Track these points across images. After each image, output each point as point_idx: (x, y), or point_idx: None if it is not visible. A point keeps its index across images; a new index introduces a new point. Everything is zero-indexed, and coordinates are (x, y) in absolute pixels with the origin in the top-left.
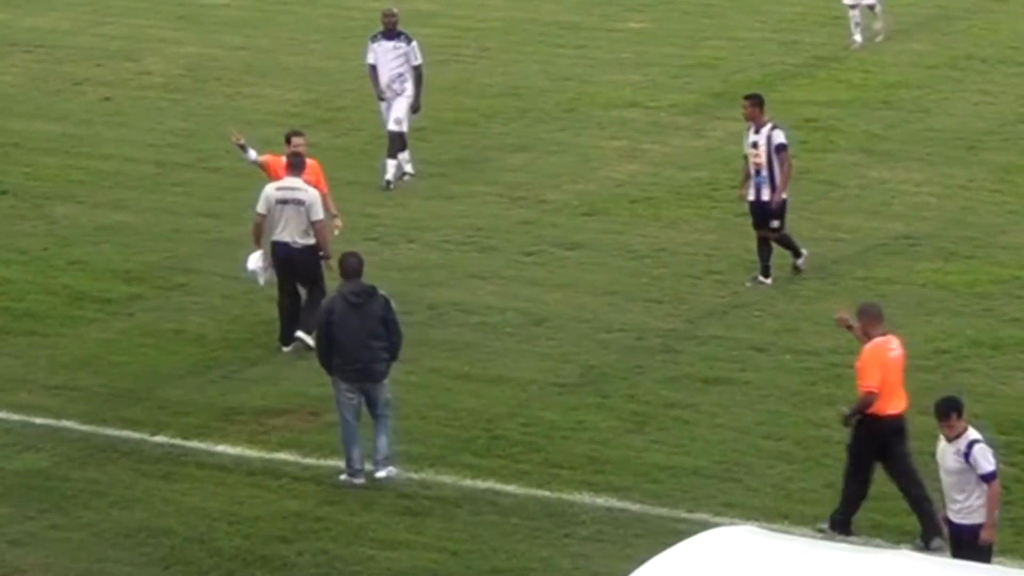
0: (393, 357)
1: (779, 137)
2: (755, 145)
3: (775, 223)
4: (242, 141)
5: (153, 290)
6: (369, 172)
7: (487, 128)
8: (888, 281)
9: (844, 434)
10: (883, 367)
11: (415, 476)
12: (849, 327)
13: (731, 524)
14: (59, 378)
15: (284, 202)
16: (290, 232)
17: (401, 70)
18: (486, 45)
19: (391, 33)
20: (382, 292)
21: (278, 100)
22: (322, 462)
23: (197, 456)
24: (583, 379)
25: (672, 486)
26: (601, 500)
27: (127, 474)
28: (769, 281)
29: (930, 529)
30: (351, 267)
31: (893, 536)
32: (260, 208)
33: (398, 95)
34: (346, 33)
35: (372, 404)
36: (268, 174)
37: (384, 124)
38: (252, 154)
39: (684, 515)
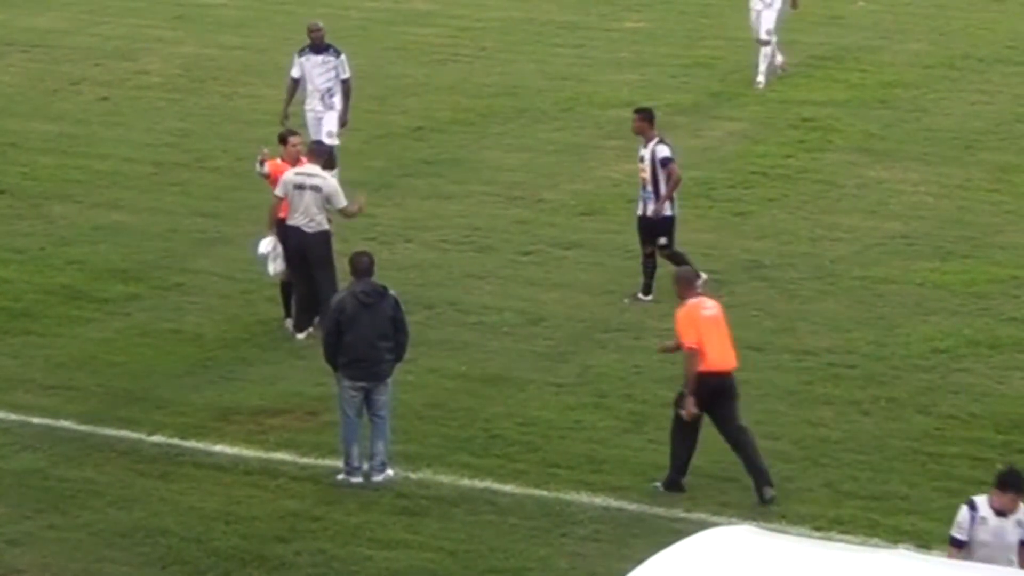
0: (399, 358)
1: (663, 151)
2: (641, 159)
3: (663, 240)
4: (266, 157)
5: (150, 290)
6: (365, 172)
7: (484, 128)
8: (886, 280)
9: (840, 434)
10: (697, 325)
11: (412, 476)
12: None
13: (729, 524)
14: (56, 378)
15: (301, 187)
16: (304, 217)
17: (330, 84)
18: (483, 45)
19: (319, 47)
20: (392, 292)
21: (275, 100)
22: (319, 462)
23: (194, 456)
24: (581, 379)
25: None
26: (599, 500)
27: (124, 474)
28: (649, 298)
29: (761, 480)
30: (362, 266)
31: (891, 536)
32: (278, 191)
33: (328, 109)
34: (343, 33)
35: (371, 405)
36: (272, 183)
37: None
38: (265, 168)
39: (682, 515)
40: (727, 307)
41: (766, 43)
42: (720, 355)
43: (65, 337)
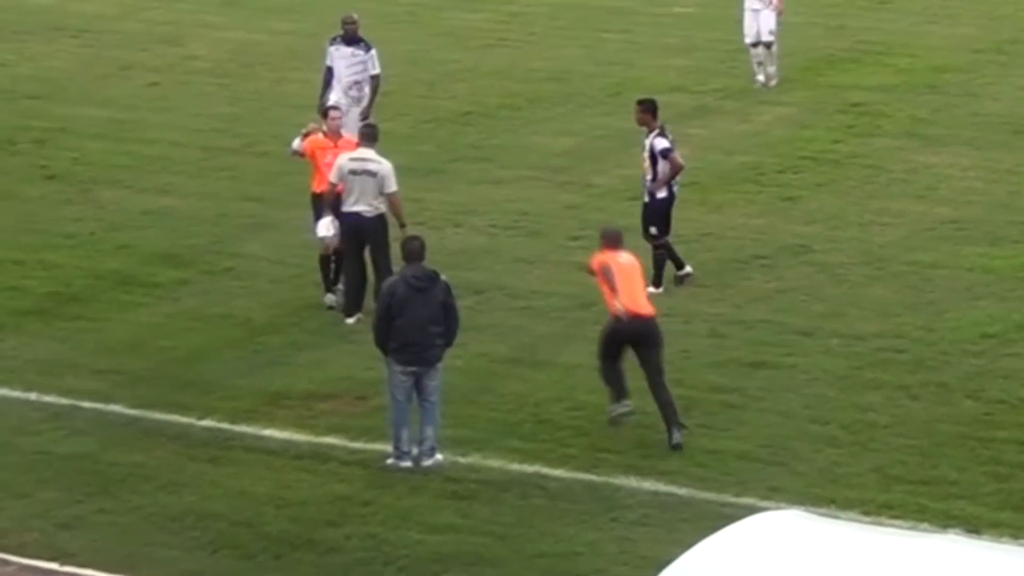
0: (449, 343)
1: (661, 143)
2: (644, 149)
3: (652, 229)
4: (313, 131)
5: (200, 274)
6: (414, 157)
7: (533, 113)
8: (935, 266)
9: (889, 418)
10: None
11: (462, 460)
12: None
13: (778, 508)
14: (106, 362)
15: (355, 173)
16: (361, 202)
17: (358, 77)
18: (532, 30)
19: (351, 39)
20: (443, 277)
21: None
22: (369, 446)
23: (244, 440)
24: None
25: (719, 470)
26: (648, 484)
27: (175, 458)
28: (660, 290)
29: (673, 425)
30: (413, 250)
31: (940, 520)
32: (333, 177)
33: (354, 104)
34: (391, 18)
35: (421, 390)
36: (309, 157)
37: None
38: (299, 144)
39: (731, 499)
40: (776, 291)
41: (769, 44)
42: (632, 300)
43: (115, 322)
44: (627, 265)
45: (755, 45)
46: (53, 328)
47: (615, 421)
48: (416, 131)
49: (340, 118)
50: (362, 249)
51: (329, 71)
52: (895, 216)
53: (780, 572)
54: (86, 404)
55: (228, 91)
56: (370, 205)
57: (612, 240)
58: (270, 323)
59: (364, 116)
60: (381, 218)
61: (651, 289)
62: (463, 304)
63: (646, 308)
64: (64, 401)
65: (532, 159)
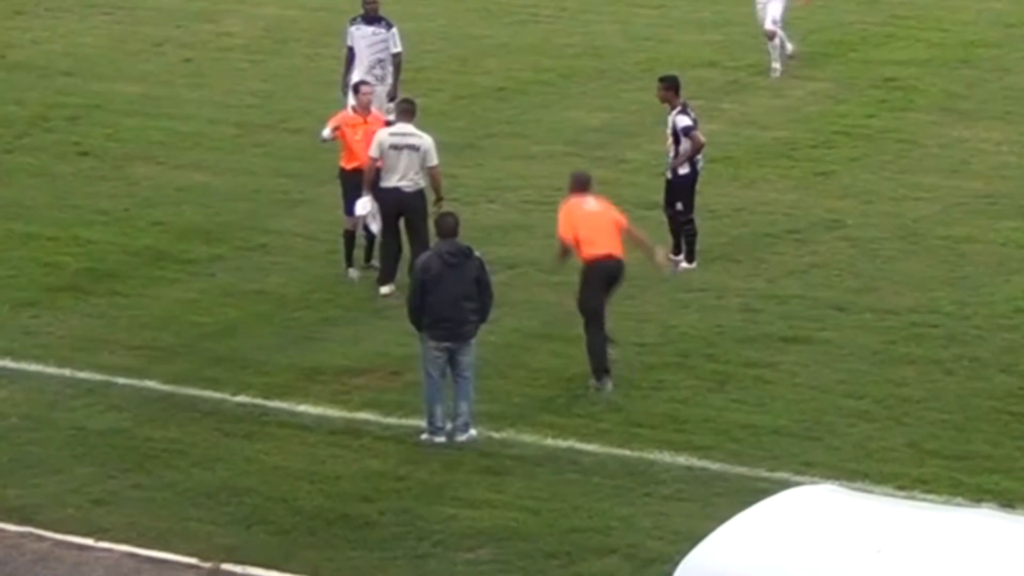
0: (483, 319)
1: (683, 121)
2: (667, 127)
3: (678, 205)
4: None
5: (234, 251)
6: (448, 132)
7: (566, 88)
8: (968, 240)
9: (923, 393)
10: (575, 219)
11: (496, 435)
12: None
13: (812, 483)
14: (141, 338)
15: (397, 148)
16: (403, 178)
17: (381, 56)
18: (564, 5)
19: (371, 18)
20: (477, 253)
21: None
22: (403, 421)
23: (279, 416)
24: (663, 338)
25: (752, 445)
26: (682, 459)
27: (209, 434)
28: (693, 266)
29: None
30: (447, 226)
31: (974, 495)
32: (373, 152)
33: (378, 82)
34: None
35: (455, 366)
36: (339, 136)
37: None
38: (329, 132)
39: (765, 474)
40: (809, 266)
41: (771, 35)
42: (606, 241)
43: (149, 298)
44: (594, 211)
45: (772, 36)
46: (87, 304)
47: (599, 387)
48: (450, 107)
49: (371, 93)
50: (399, 223)
51: (350, 51)
52: (928, 190)
53: (814, 547)
54: (120, 380)
55: (262, 67)
56: (411, 180)
57: (580, 184)
58: (304, 299)
59: (392, 96)
60: (420, 193)
61: (684, 264)
62: (497, 279)
63: (617, 250)
64: (98, 377)
65: (565, 135)
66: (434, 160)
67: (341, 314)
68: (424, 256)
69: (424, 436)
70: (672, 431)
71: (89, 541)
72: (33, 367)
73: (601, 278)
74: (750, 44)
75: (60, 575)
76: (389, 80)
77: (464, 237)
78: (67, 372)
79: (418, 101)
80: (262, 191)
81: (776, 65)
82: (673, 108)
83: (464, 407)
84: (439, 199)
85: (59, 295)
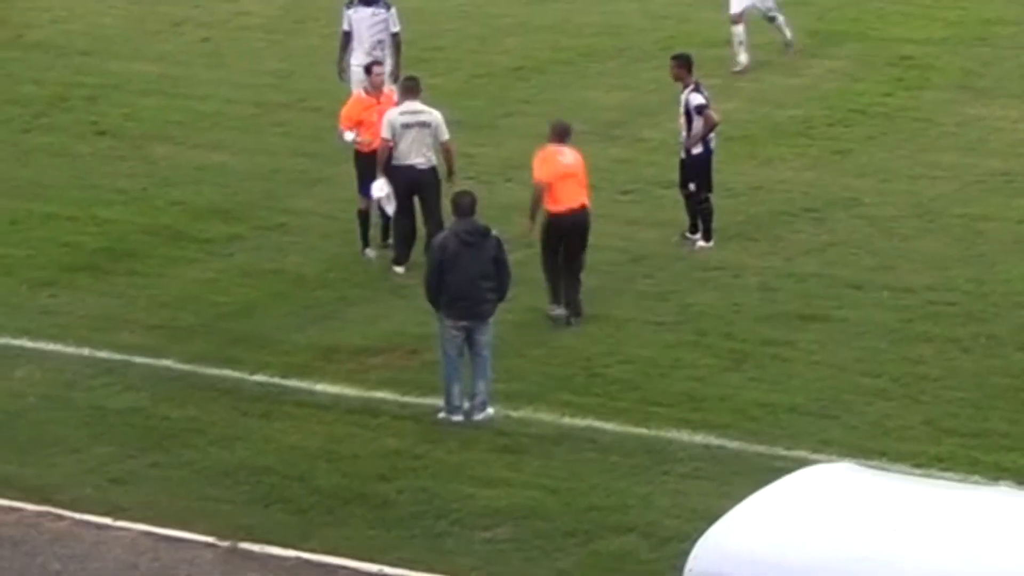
0: (500, 298)
1: (696, 99)
2: (679, 105)
3: (691, 186)
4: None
5: (252, 230)
6: (466, 111)
7: (584, 67)
8: (985, 218)
9: (940, 371)
10: (551, 167)
11: (514, 414)
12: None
13: (829, 461)
14: (159, 317)
15: (408, 126)
16: (416, 155)
17: (381, 36)
18: None
19: (369, 0)
20: (495, 232)
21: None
22: (421, 400)
23: (296, 395)
24: (681, 317)
25: (770, 423)
26: (699, 438)
27: (227, 413)
28: (697, 236)
29: (569, 305)
30: (464, 205)
31: (991, 472)
32: (385, 133)
33: (390, 74)
34: None
35: (473, 345)
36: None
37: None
38: (352, 136)
39: (782, 452)
40: (826, 245)
41: (773, 19)
42: (570, 197)
43: (168, 277)
44: (570, 164)
45: (736, 22)
46: (106, 283)
47: (554, 319)
48: (468, 86)
49: (383, 74)
50: (413, 201)
51: (346, 35)
52: (945, 169)
53: (832, 525)
54: (139, 359)
55: (280, 47)
56: (424, 157)
57: (560, 134)
58: (321, 278)
59: (395, 77)
60: (434, 170)
61: (701, 243)
62: (513, 258)
63: (581, 200)
64: (117, 356)
65: (584, 113)
66: (446, 134)
67: (359, 293)
68: (441, 235)
69: (441, 415)
70: (689, 410)
71: (107, 520)
72: (51, 346)
73: (558, 232)
74: (766, 23)
75: (78, 554)
76: (389, 61)
77: (481, 216)
78: (85, 351)
79: (436, 80)
80: (280, 170)
81: (742, 59)
82: (686, 86)
83: (481, 386)
84: (451, 173)
85: (77, 274)
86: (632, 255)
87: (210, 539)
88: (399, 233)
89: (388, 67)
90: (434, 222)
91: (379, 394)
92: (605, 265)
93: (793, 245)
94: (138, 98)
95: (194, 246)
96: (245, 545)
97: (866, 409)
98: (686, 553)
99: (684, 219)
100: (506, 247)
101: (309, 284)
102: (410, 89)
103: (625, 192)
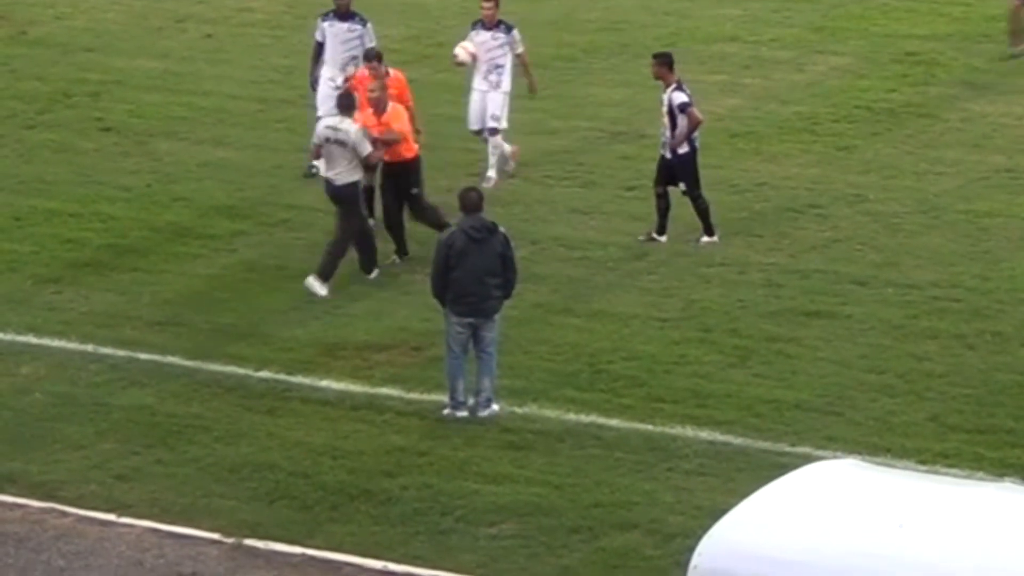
0: (507, 295)
1: (679, 98)
2: (662, 104)
3: (682, 185)
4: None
5: (256, 226)
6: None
7: (588, 63)
8: (990, 214)
9: (945, 367)
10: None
11: (518, 410)
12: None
13: (834, 458)
14: (163, 314)
15: (329, 141)
16: (330, 170)
17: (355, 53)
18: None
19: (345, 14)
20: (502, 229)
21: (379, 36)
22: (425, 397)
23: (301, 391)
24: (685, 313)
25: (774, 420)
26: (704, 434)
27: (232, 409)
28: (663, 239)
29: (401, 249)
30: (471, 202)
31: (996, 469)
32: (315, 140)
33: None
34: None
35: (478, 341)
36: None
37: (324, 112)
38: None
39: (787, 449)
40: (831, 241)
41: (494, 132)
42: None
43: (172, 273)
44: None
45: (479, 132)
46: (110, 280)
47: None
48: (471, 83)
49: (378, 89)
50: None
51: (319, 46)
52: (950, 165)
53: (836, 521)
54: (143, 356)
55: (283, 43)
56: (342, 172)
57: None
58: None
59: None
60: (352, 185)
61: (705, 238)
62: (518, 255)
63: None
64: (121, 353)
65: (587, 110)
66: (366, 149)
67: (363, 290)
68: (449, 231)
69: (446, 411)
70: (694, 406)
71: (112, 517)
72: (56, 343)
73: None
74: (771, 19)
75: (82, 551)
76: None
77: (486, 213)
78: (90, 348)
79: (439, 77)
80: (284, 166)
81: (492, 174)
82: (668, 85)
83: (487, 383)
84: (377, 145)
85: (82, 271)
86: (636, 251)
87: (215, 536)
88: (357, 244)
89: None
90: (345, 234)
91: (384, 390)
92: (609, 261)
93: (798, 241)
94: (142, 94)
95: (198, 242)
96: (250, 541)
97: (871, 405)
98: (691, 549)
99: (683, 217)
100: (513, 244)
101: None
102: (343, 106)
103: (629, 188)
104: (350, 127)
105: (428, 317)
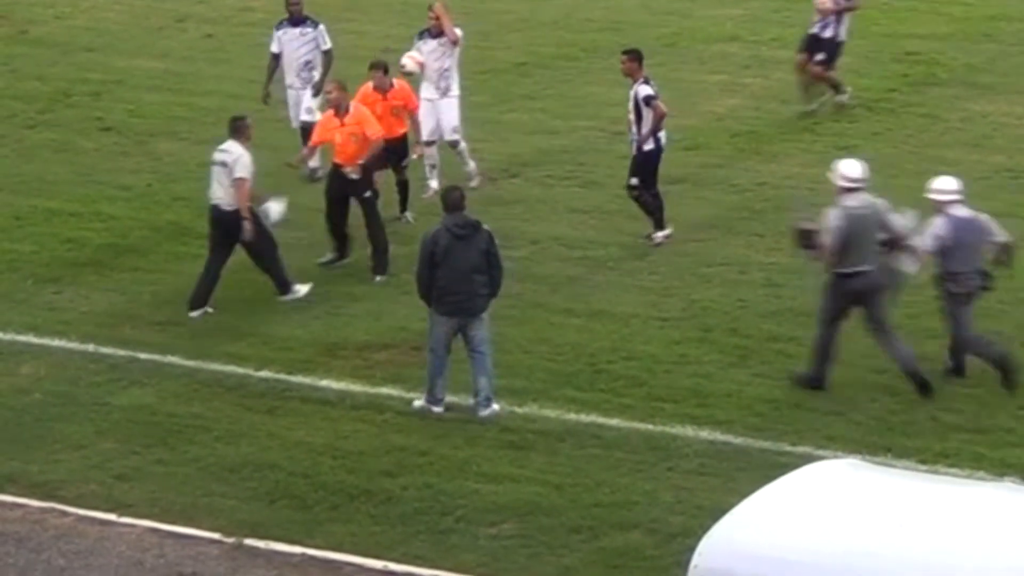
0: (493, 293)
1: (645, 90)
2: (629, 100)
3: (633, 180)
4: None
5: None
6: (470, 107)
7: (588, 63)
8: (991, 214)
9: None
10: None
11: (518, 410)
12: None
13: (834, 457)
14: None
15: (213, 163)
16: (218, 194)
17: (309, 57)
18: None
19: (297, 19)
20: (486, 226)
21: (378, 36)
22: None
23: (301, 391)
24: (686, 313)
25: (775, 419)
26: (704, 433)
27: (232, 409)
28: (668, 231)
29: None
30: (454, 200)
31: (997, 468)
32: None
33: (306, 84)
34: None
35: (470, 341)
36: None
37: (294, 118)
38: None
39: (787, 448)
40: None
41: (456, 144)
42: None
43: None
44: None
45: (430, 144)
46: (110, 280)
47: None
48: (471, 82)
49: (335, 90)
50: (226, 241)
51: (275, 57)
52: (950, 165)
53: (837, 521)
54: (143, 355)
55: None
56: (225, 197)
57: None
58: (326, 274)
59: (317, 91)
60: (233, 213)
61: (658, 235)
62: (519, 255)
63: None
64: (121, 352)
65: (587, 109)
66: (238, 173)
67: (363, 289)
68: (432, 230)
69: (418, 403)
70: (695, 405)
71: (112, 516)
72: (56, 343)
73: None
74: (771, 19)
75: (83, 550)
76: (318, 78)
77: (486, 212)
78: (90, 348)
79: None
80: (284, 167)
81: (471, 170)
82: (635, 81)
83: (484, 382)
84: (243, 217)
85: (82, 271)
86: (636, 251)
87: (215, 535)
88: (204, 273)
89: (315, 81)
90: (216, 263)
91: (384, 390)
92: (610, 261)
93: None
94: (142, 94)
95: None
96: (250, 541)
97: (871, 405)
98: (691, 549)
99: (684, 216)
100: (497, 241)
101: (313, 280)
102: (231, 129)
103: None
104: (235, 150)
105: (427, 317)
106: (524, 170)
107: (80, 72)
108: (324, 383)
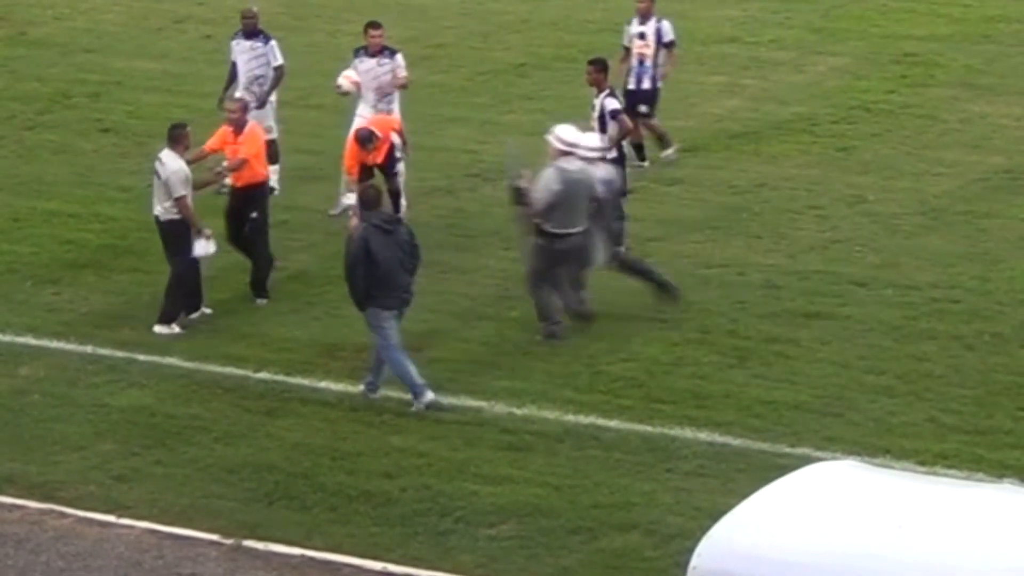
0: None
1: (611, 104)
2: (593, 109)
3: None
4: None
5: None
6: (469, 108)
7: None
8: (989, 215)
9: (944, 368)
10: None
11: (517, 411)
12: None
13: (833, 459)
14: None
15: (152, 172)
16: (155, 204)
17: (259, 72)
18: None
19: (251, 33)
20: (404, 219)
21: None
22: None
23: (300, 392)
24: (684, 314)
25: (774, 421)
26: (703, 435)
27: (231, 410)
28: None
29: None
30: (371, 197)
31: (995, 470)
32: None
33: (257, 99)
34: None
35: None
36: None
37: None
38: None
39: (786, 450)
40: (830, 242)
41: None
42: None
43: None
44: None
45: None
46: (109, 281)
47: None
48: (470, 83)
49: (238, 110)
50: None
51: (233, 67)
52: (949, 166)
53: (836, 522)
54: (142, 357)
55: (282, 44)
56: (161, 208)
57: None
58: (325, 275)
59: (261, 104)
60: (173, 223)
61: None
62: (520, 257)
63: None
64: (120, 354)
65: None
66: (176, 192)
67: None
68: (360, 230)
69: (415, 407)
70: (693, 407)
71: (111, 518)
72: (55, 344)
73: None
74: (770, 20)
75: (81, 552)
76: (270, 97)
77: (485, 214)
78: (89, 349)
79: (438, 77)
80: (282, 167)
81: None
82: (601, 91)
83: (387, 370)
84: (198, 231)
85: (81, 272)
86: (635, 253)
87: (214, 537)
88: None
89: (271, 105)
90: (172, 280)
91: (382, 391)
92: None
93: (797, 242)
94: (141, 95)
95: None
96: (249, 543)
97: (870, 406)
98: (690, 550)
99: (682, 217)
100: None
101: (312, 281)
102: (168, 137)
103: (628, 190)
104: (170, 163)
105: (426, 319)
106: (523, 170)
107: (79, 73)
108: (323, 384)
